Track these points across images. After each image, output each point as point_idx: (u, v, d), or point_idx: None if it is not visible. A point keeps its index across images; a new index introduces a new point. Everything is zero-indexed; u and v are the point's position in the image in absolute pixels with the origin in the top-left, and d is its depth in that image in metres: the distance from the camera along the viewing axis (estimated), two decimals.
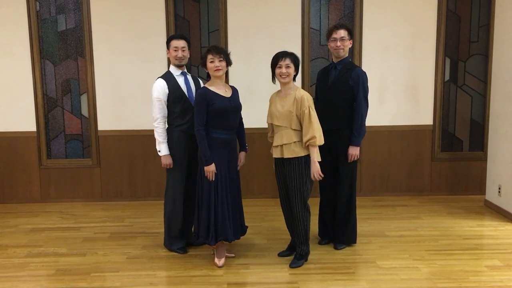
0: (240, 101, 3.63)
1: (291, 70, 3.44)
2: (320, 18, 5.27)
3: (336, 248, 3.89)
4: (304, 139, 3.38)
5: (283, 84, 3.50)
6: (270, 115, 3.56)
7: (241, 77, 5.12)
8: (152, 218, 4.76)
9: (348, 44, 3.76)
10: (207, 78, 3.59)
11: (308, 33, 5.20)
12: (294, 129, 3.42)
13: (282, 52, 3.49)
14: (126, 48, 5.19)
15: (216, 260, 3.62)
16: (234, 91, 3.62)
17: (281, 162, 3.54)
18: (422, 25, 5.22)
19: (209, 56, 3.44)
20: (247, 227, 3.80)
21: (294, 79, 3.53)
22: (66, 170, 5.37)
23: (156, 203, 5.18)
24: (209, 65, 3.46)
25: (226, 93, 3.53)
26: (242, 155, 3.75)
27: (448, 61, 5.34)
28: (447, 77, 5.38)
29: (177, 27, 5.22)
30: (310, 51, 5.25)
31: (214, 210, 3.49)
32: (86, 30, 5.16)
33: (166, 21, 5.15)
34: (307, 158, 3.45)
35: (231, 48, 5.08)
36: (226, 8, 5.15)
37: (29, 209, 5.17)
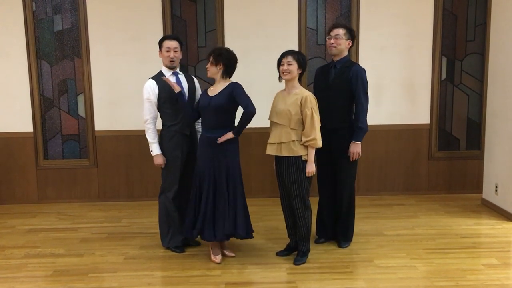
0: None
1: (293, 67, 3.43)
2: (317, 17, 5.27)
3: (341, 246, 3.90)
4: (304, 139, 3.39)
5: (286, 82, 3.52)
6: (271, 112, 3.58)
7: (237, 76, 5.06)
8: (149, 218, 4.75)
9: (343, 42, 3.72)
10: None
11: (305, 33, 5.20)
12: (292, 128, 3.42)
13: (287, 50, 3.52)
14: (123, 48, 5.17)
15: (212, 257, 3.67)
16: (225, 89, 3.53)
17: (279, 161, 3.55)
18: (419, 24, 5.23)
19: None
20: (250, 235, 3.67)
21: (299, 79, 3.53)
22: (63, 170, 5.36)
23: (153, 203, 5.15)
24: None
25: (213, 91, 3.58)
26: (229, 133, 3.52)
27: (444, 60, 5.35)
28: (443, 76, 5.39)
29: (174, 27, 5.21)
30: (307, 51, 5.24)
31: (195, 208, 3.61)
32: (82, 30, 5.15)
33: (162, 21, 5.14)
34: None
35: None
36: (223, 7, 5.14)
37: (26, 210, 5.16)
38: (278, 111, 3.48)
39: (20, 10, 5.10)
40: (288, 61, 3.43)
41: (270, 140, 3.54)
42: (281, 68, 3.47)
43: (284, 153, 3.45)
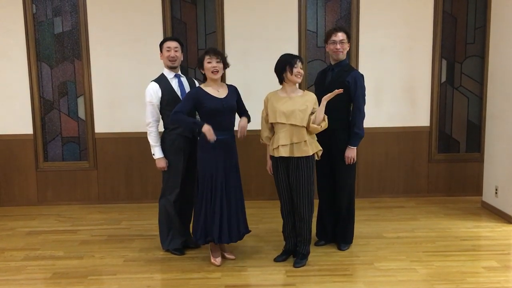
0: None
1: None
2: (316, 20, 5.27)
3: (340, 249, 3.90)
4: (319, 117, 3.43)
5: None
6: (276, 113, 3.47)
7: (237, 79, 5.10)
8: (149, 220, 4.75)
9: (347, 47, 3.79)
10: (204, 80, 3.60)
11: (305, 35, 5.21)
12: (303, 127, 3.44)
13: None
14: (123, 50, 5.18)
15: (212, 260, 3.67)
16: (231, 91, 3.61)
17: (286, 162, 3.50)
18: (419, 26, 5.23)
19: (207, 57, 3.48)
20: (249, 231, 3.77)
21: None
22: (63, 172, 5.36)
23: (153, 205, 5.16)
24: (206, 65, 3.48)
25: (220, 93, 3.54)
26: (244, 120, 3.66)
27: (444, 62, 5.36)
28: (443, 79, 5.39)
29: (174, 29, 5.22)
30: (307, 53, 5.25)
31: (205, 211, 3.53)
32: (82, 32, 5.15)
33: (163, 23, 5.15)
34: (313, 158, 3.52)
35: (228, 50, 5.09)
36: (223, 10, 5.15)
37: (26, 212, 5.15)
38: (292, 111, 3.43)
39: (20, 13, 5.11)
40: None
41: (281, 142, 3.43)
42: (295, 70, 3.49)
43: (296, 154, 3.43)
